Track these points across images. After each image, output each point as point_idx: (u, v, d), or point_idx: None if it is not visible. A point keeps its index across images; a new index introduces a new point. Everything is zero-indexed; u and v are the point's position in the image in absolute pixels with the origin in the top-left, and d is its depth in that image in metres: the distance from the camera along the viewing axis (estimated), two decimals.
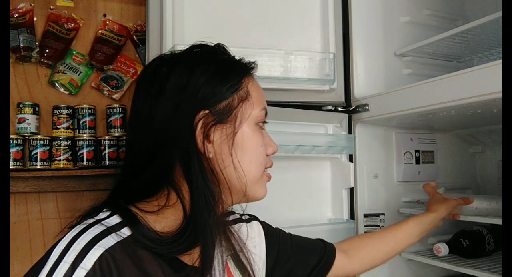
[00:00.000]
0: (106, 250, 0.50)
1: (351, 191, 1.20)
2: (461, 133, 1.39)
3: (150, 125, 0.59)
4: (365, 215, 1.20)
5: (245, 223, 0.78)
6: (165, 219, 0.59)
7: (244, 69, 0.66)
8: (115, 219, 0.56)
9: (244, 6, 1.12)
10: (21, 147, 1.32)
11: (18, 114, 1.32)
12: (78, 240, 0.51)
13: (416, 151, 1.30)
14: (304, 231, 1.08)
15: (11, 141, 1.29)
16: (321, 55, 1.13)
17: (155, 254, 0.55)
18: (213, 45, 0.67)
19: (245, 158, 0.62)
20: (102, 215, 0.57)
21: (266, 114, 0.67)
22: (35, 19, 1.39)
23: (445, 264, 1.09)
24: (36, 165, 1.32)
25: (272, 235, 0.81)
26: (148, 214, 0.58)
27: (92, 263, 0.48)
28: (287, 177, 1.16)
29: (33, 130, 1.33)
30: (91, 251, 0.49)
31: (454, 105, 0.90)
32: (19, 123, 1.31)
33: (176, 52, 0.66)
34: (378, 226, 1.21)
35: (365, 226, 1.19)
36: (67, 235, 0.52)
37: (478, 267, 1.04)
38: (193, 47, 0.66)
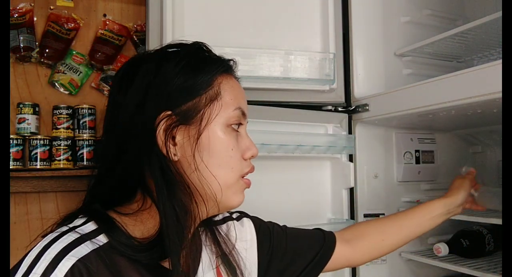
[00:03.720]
0: (79, 260, 0.47)
1: (351, 191, 1.20)
2: (461, 133, 1.39)
3: (115, 124, 0.57)
4: (365, 215, 1.20)
5: (235, 221, 0.75)
6: (143, 224, 0.57)
7: (218, 67, 0.60)
8: (91, 226, 0.53)
9: (244, 6, 1.12)
10: (21, 147, 1.32)
11: (18, 114, 1.32)
12: (49, 249, 0.48)
13: (416, 151, 1.30)
14: None
15: (11, 141, 1.29)
16: (321, 55, 1.13)
17: (134, 261, 0.52)
18: (191, 42, 0.63)
19: (213, 162, 0.57)
20: (77, 222, 0.54)
21: (244, 115, 0.61)
22: (35, 19, 1.39)
23: (445, 264, 1.09)
24: (36, 165, 1.32)
25: (265, 232, 0.77)
26: (126, 219, 0.56)
27: (64, 273, 0.46)
28: (287, 177, 1.16)
29: (33, 130, 1.33)
30: (62, 261, 0.46)
31: (454, 105, 0.90)
32: (19, 123, 1.32)
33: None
34: None
35: None
36: (38, 245, 0.50)
37: (478, 267, 1.04)
38: (169, 45, 0.63)
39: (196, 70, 0.58)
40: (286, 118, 1.13)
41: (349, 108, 1.21)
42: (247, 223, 0.76)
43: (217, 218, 0.73)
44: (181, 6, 1.04)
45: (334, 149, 1.14)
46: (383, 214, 1.22)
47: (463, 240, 1.14)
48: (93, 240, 0.50)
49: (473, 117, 1.05)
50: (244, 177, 0.62)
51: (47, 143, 1.33)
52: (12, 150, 1.29)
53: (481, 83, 0.83)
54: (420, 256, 1.19)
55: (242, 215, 0.77)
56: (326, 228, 1.12)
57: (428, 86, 0.97)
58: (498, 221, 0.95)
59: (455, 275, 1.23)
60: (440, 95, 0.92)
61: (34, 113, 1.33)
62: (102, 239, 0.51)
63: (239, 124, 0.61)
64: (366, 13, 1.24)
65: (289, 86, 1.11)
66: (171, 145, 0.55)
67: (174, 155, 0.55)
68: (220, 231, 0.70)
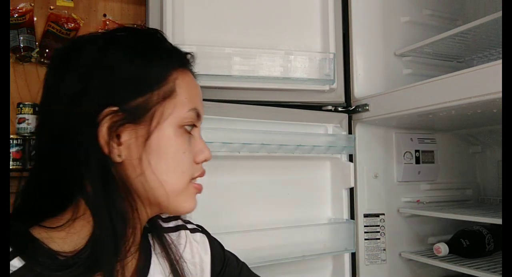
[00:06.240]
0: None
1: (351, 191, 1.20)
2: (461, 133, 1.39)
3: (49, 115, 0.51)
4: (365, 215, 1.20)
5: (188, 231, 0.67)
6: (75, 235, 0.49)
7: (174, 60, 0.54)
8: None
9: (244, 6, 1.12)
10: (21, 147, 1.32)
11: (18, 114, 1.32)
12: None
13: (416, 151, 1.30)
14: (304, 231, 1.09)
15: (11, 141, 1.29)
16: (321, 55, 1.13)
17: None
18: (145, 28, 0.56)
19: (162, 166, 0.51)
20: None
21: (199, 116, 0.56)
22: (35, 19, 1.39)
23: (445, 264, 1.09)
24: None
25: (219, 257, 0.69)
26: (56, 233, 0.49)
27: None
28: (287, 177, 1.16)
29: (33, 130, 1.33)
30: None
31: (454, 105, 0.90)
32: (19, 123, 1.31)
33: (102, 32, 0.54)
34: (378, 226, 1.21)
35: (365, 226, 1.19)
36: None
37: (478, 267, 1.04)
38: (118, 28, 0.55)
39: (149, 61, 0.51)
40: (286, 118, 1.13)
41: (349, 108, 1.21)
42: (201, 238, 0.68)
43: (169, 225, 0.67)
44: (181, 6, 1.04)
45: (334, 149, 1.14)
46: (383, 214, 1.22)
47: (463, 240, 1.14)
48: None
49: (473, 117, 1.05)
50: (195, 182, 0.56)
51: None
52: (12, 150, 1.29)
53: (481, 83, 0.83)
54: (420, 256, 1.19)
55: (198, 230, 0.70)
56: (326, 228, 1.14)
57: (428, 86, 0.97)
58: (498, 221, 0.95)
59: (455, 275, 1.23)
60: (440, 95, 0.92)
61: (34, 113, 1.33)
62: (16, 263, 0.45)
63: (193, 125, 0.55)
64: (366, 13, 1.24)
65: (289, 86, 1.11)
66: (115, 145, 0.49)
67: (118, 156, 0.49)
68: (171, 238, 0.64)
